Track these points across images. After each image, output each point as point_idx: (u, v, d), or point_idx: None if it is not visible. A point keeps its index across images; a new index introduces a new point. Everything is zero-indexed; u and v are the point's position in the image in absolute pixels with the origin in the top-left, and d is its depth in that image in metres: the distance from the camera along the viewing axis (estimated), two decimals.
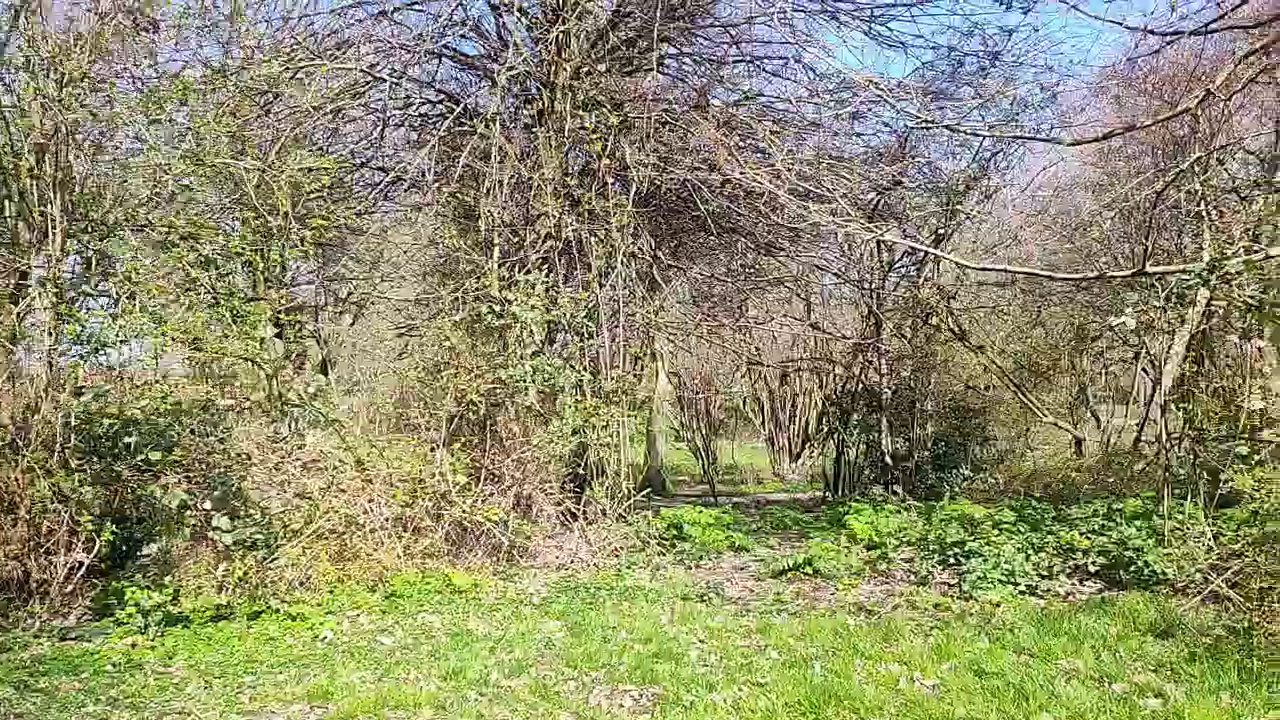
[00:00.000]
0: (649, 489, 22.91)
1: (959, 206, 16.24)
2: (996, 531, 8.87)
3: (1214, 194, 15.66)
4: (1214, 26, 9.21)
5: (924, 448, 17.26)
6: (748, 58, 13.74)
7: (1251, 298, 6.48)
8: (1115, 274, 6.83)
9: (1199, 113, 14.54)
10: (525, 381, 8.69)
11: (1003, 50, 14.17)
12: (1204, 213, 8.98)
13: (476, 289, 9.70)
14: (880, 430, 17.09)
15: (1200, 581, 6.62)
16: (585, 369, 10.02)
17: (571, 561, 8.78)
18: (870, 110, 13.94)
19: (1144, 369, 19.37)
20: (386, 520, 8.22)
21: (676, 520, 10.24)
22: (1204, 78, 17.23)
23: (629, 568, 8.68)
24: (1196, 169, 8.05)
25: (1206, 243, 12.79)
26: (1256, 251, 7.18)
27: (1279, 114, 12.99)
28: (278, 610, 7.09)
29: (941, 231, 16.09)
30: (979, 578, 7.26)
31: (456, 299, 9.84)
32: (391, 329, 17.09)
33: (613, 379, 9.88)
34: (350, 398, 14.49)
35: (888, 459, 16.97)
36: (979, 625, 6.33)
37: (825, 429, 20.59)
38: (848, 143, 15.73)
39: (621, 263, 12.54)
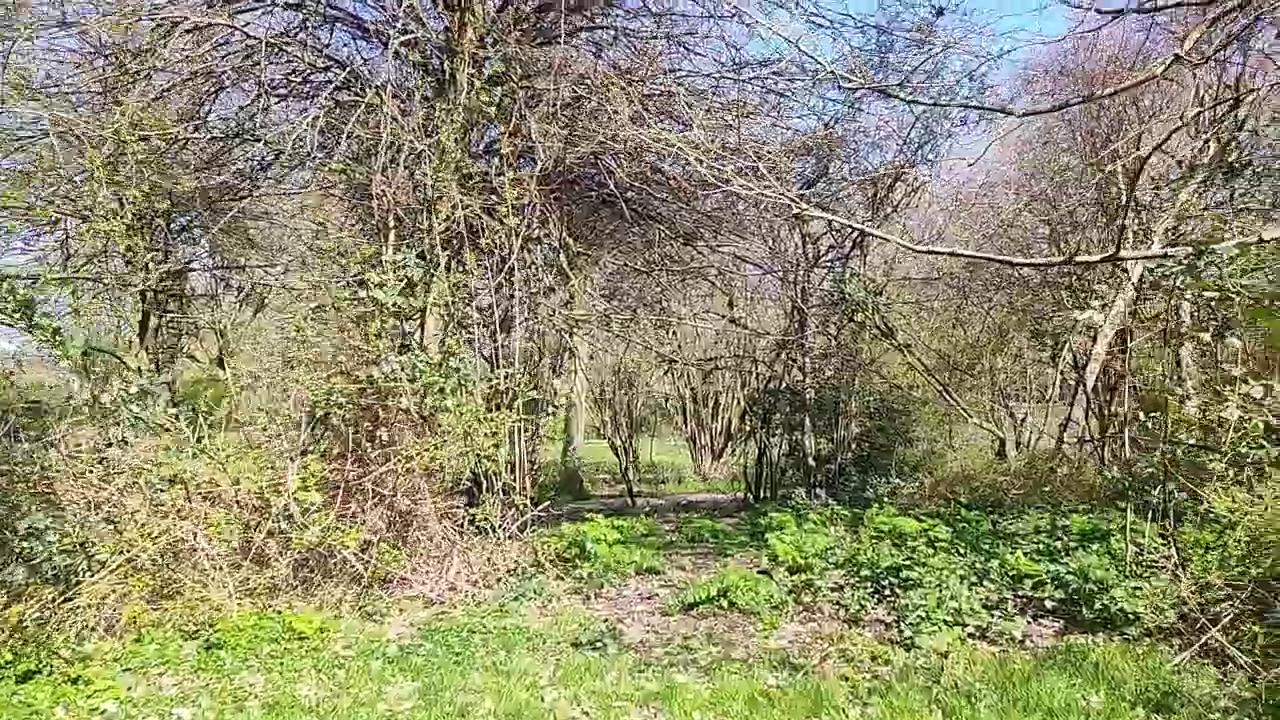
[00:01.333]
0: (567, 491, 21.50)
1: (889, 195, 15.08)
2: (932, 551, 7.56)
3: (1152, 183, 14.76)
4: (1162, 4, 8.11)
5: (848, 448, 16.06)
6: (667, 33, 12.28)
7: (1245, 288, 5.26)
8: (1086, 258, 5.52)
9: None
10: (394, 381, 7.07)
11: (932, 33, 13.00)
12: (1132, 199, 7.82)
13: (355, 276, 8.04)
14: (803, 430, 15.83)
15: (1184, 627, 5.39)
16: (478, 365, 8.46)
17: (450, 592, 7.19)
18: (797, 93, 12.61)
19: (1063, 369, 18.50)
20: (220, 549, 6.54)
21: (580, 538, 8.72)
22: (1133, 69, 16.36)
23: (516, 600, 7.12)
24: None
25: (1160, 228, 11.76)
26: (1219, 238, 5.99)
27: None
28: (57, 669, 5.39)
29: (868, 225, 14.86)
30: (921, 618, 5.89)
31: (318, 285, 8.16)
32: (282, 322, 15.23)
33: (507, 377, 8.31)
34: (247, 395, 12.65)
35: (811, 460, 15.72)
36: (926, 688, 4.93)
37: (748, 428, 19.34)
38: (773, 130, 14.39)
39: (521, 248, 11.00)
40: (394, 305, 7.25)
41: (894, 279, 15.95)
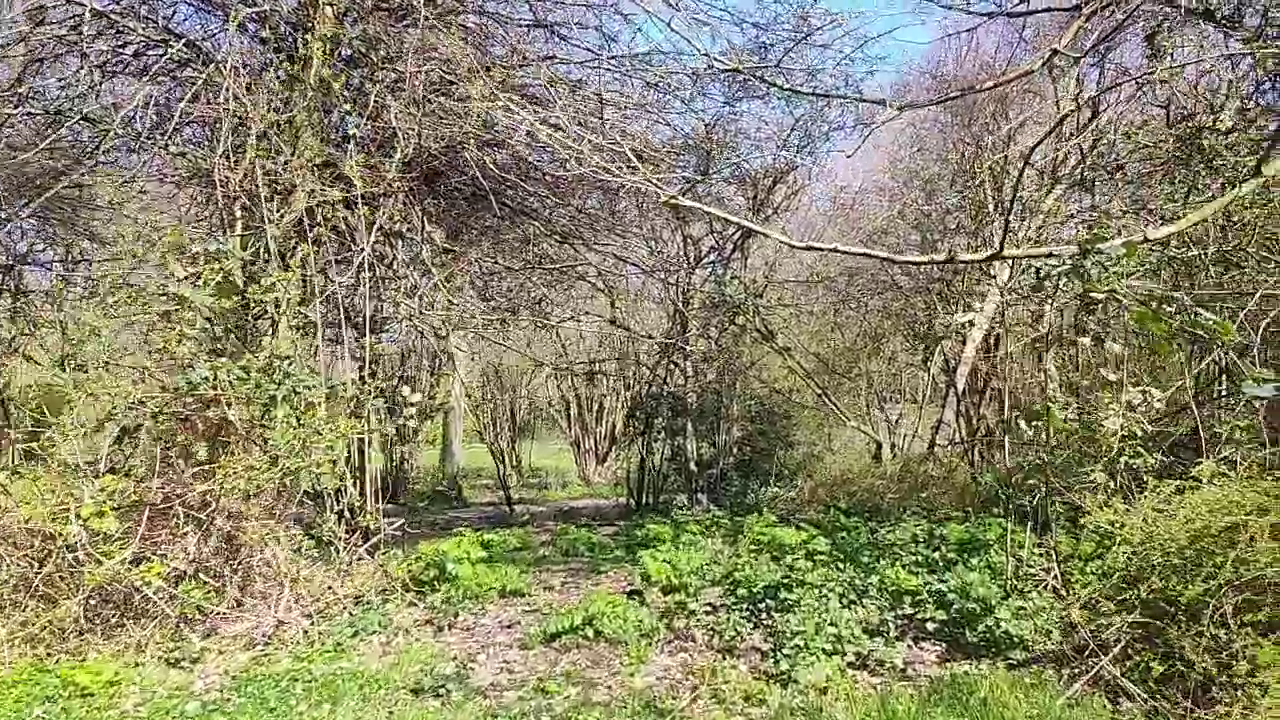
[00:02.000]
0: (444, 499, 20.44)
1: (770, 197, 14.71)
2: (811, 565, 7.04)
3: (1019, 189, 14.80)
4: (1035, 7, 7.87)
5: (730, 453, 15.62)
6: (539, 20, 11.51)
7: (1132, 289, 4.89)
8: (968, 256, 5.05)
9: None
10: (212, 388, 6.08)
11: (810, 33, 12.67)
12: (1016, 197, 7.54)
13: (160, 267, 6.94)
14: (685, 435, 15.31)
15: (1073, 654, 4.97)
16: (323, 370, 7.49)
17: (279, 629, 6.24)
18: (675, 86, 12.04)
19: (935, 373, 18.61)
20: None
21: (440, 558, 7.85)
22: (999, 72, 16.47)
23: (356, 635, 6.22)
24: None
25: (1023, 234, 11.66)
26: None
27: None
28: None
29: (747, 220, 14.45)
30: (799, 647, 5.31)
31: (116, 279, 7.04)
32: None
33: (359, 383, 7.37)
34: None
35: (693, 465, 15.19)
36: None
37: (631, 432, 18.73)
38: (654, 128, 13.79)
39: (383, 242, 10.05)
40: (210, 302, 6.24)
41: (775, 281, 15.59)
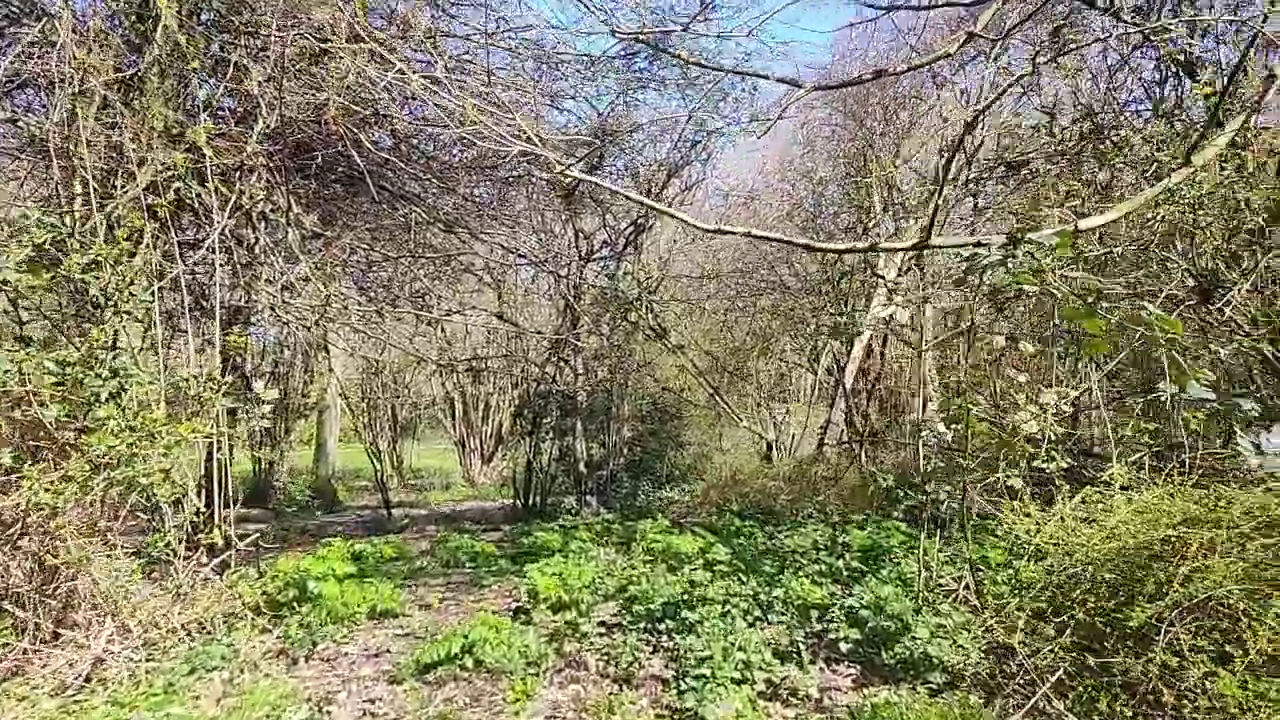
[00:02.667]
0: (318, 503, 19.08)
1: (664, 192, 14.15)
2: (711, 576, 6.48)
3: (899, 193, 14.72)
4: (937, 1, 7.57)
5: (620, 453, 15.03)
6: None
7: (1070, 280, 4.49)
8: (891, 245, 4.54)
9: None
10: (10, 383, 5.03)
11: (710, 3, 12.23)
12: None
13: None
14: (575, 435, 14.62)
15: (998, 679, 4.54)
16: (163, 365, 6.46)
17: (97, 668, 5.24)
18: (567, 68, 11.35)
19: (822, 372, 18.52)
20: None
21: (301, 575, 6.91)
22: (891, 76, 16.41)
23: (192, 672, 5.27)
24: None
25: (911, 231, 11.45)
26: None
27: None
28: None
29: (641, 221, 13.88)
30: (705, 676, 4.71)
31: None
32: None
33: (203, 379, 6.35)
34: None
35: (582, 466, 14.52)
36: None
37: (518, 432, 17.88)
38: (545, 115, 13.05)
39: (244, 224, 8.98)
40: (15, 279, 5.16)
41: (669, 275, 15.06)
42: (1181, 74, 6.59)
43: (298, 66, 9.22)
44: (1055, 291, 3.98)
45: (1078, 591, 4.38)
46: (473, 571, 8.64)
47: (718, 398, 14.67)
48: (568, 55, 10.77)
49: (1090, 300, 4.01)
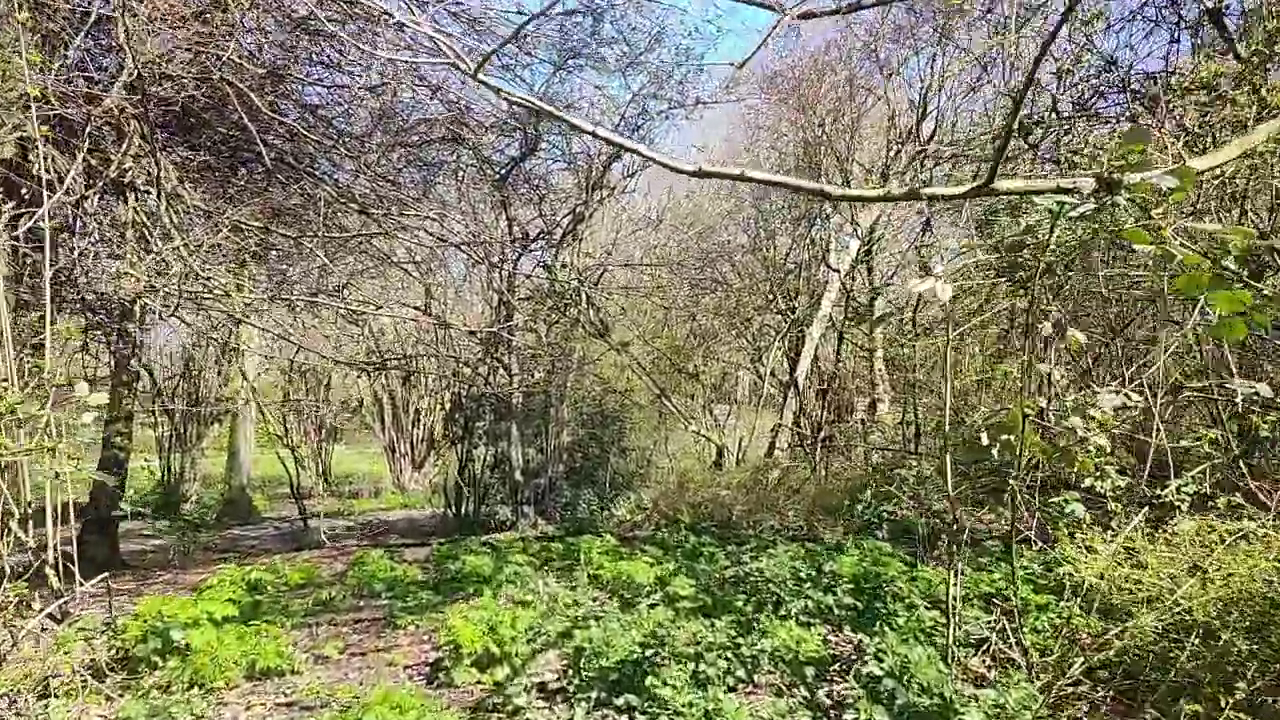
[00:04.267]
0: (232, 515, 17.22)
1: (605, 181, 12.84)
2: (674, 615, 5.21)
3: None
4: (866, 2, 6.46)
5: (560, 460, 13.65)
6: None
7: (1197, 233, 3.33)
8: (943, 190, 3.29)
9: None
10: None
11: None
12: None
13: None
14: (510, 440, 13.19)
15: None
16: None
17: None
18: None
19: (774, 370, 17.42)
20: None
21: (167, 622, 5.41)
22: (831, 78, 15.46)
23: None
24: None
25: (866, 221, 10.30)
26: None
27: None
28: None
29: (581, 209, 12.55)
30: None
31: None
32: None
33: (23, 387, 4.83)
34: None
35: (518, 474, 13.10)
36: None
37: (450, 437, 16.35)
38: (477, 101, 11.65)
39: (116, 194, 7.39)
40: None
41: (612, 266, 13.72)
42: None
43: (179, 17, 7.64)
44: (1174, 250, 2.78)
45: (1181, 653, 3.21)
46: (389, 604, 7.18)
47: (665, 400, 13.40)
48: (494, 12, 9.35)
49: (1221, 263, 2.82)
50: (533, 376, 13.53)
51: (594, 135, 3.62)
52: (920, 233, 14.30)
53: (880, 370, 16.15)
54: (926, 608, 4.93)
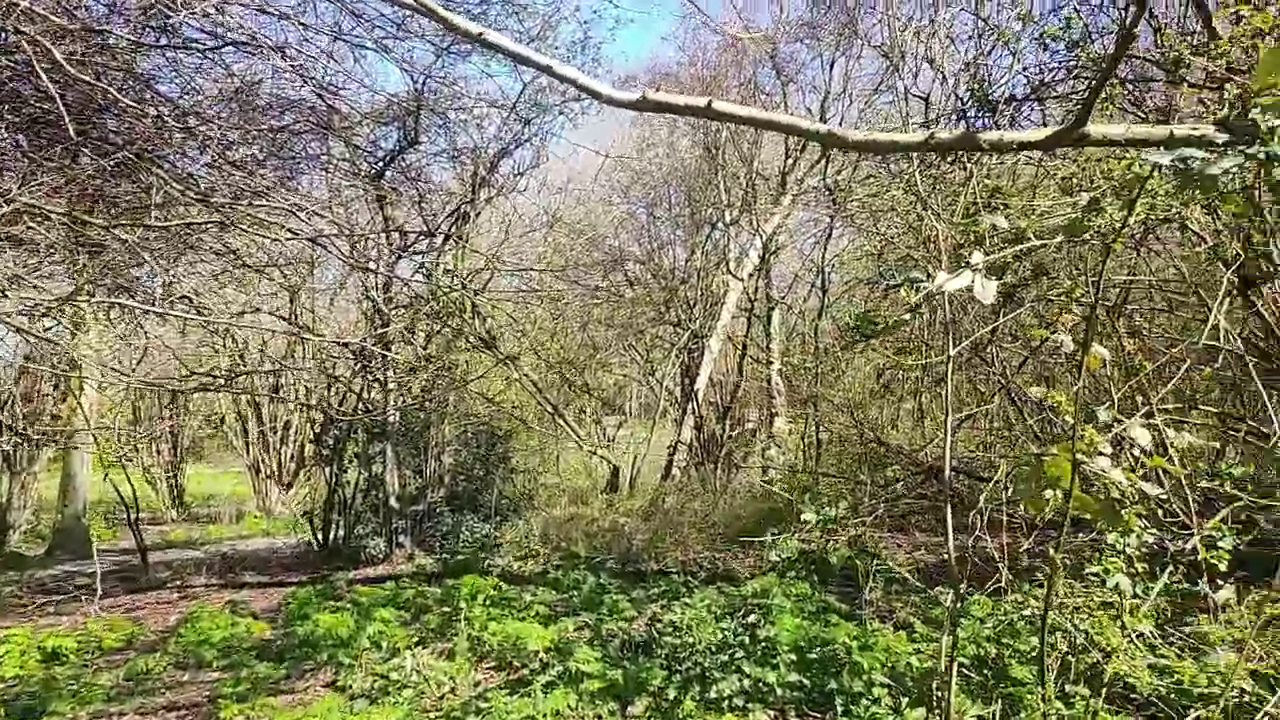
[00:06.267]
0: (66, 548, 14.90)
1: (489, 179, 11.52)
2: (576, 702, 4.01)
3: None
4: None
5: (440, 484, 12.19)
6: None
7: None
8: (1020, 136, 2.26)
9: None
10: None
11: None
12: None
13: None
14: (384, 463, 11.65)
15: None
16: None
17: None
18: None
19: (670, 385, 16.43)
20: None
21: None
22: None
23: None
24: None
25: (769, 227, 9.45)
26: None
27: None
28: None
29: (466, 208, 11.19)
30: None
31: None
32: None
33: None
34: None
35: (393, 501, 11.57)
36: None
37: (320, 458, 14.56)
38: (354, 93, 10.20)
39: None
40: None
41: (501, 270, 12.36)
42: None
43: None
44: None
45: None
46: (215, 685, 5.66)
47: (557, 417, 12.14)
48: None
49: None
50: (411, 392, 12.04)
51: (548, 71, 2.42)
52: (823, 240, 13.61)
53: (778, 383, 15.39)
54: (892, 689, 3.89)
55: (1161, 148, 2.00)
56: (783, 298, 16.62)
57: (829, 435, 12.14)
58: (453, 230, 11.60)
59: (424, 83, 11.05)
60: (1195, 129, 2.00)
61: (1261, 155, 1.91)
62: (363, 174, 11.31)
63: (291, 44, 9.10)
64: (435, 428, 11.84)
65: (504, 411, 12.20)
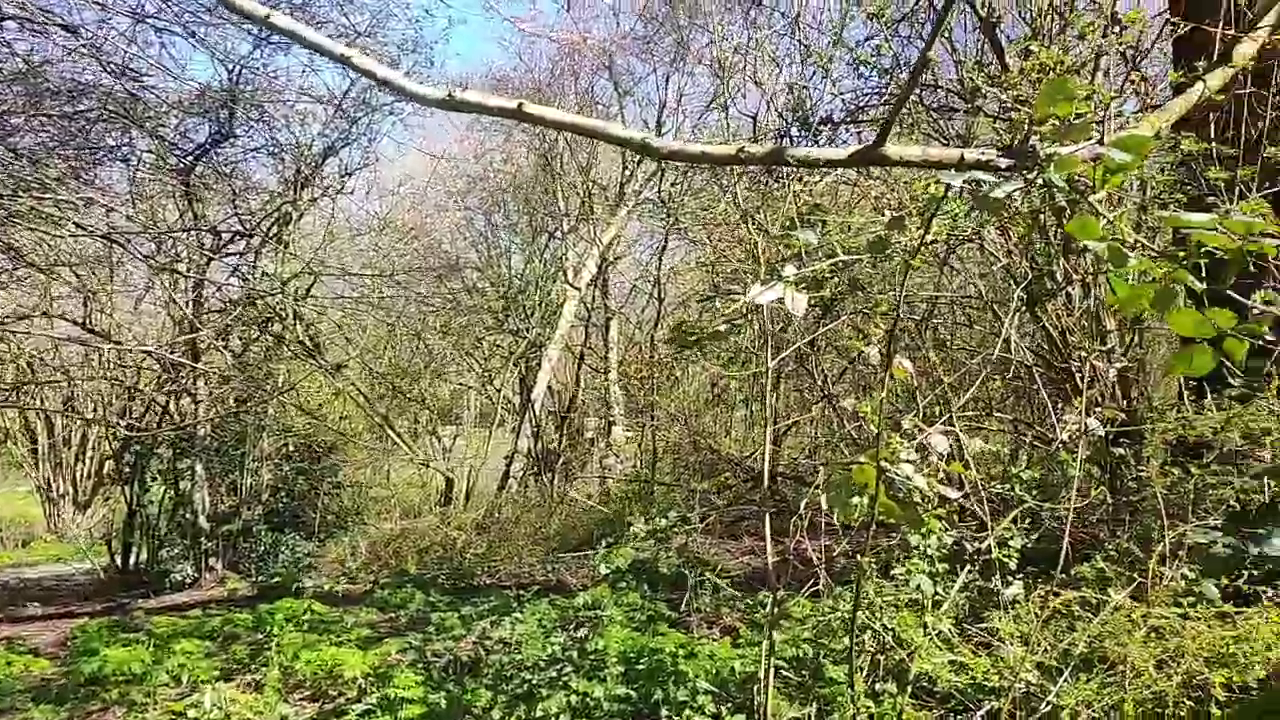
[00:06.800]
0: None
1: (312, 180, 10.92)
2: None
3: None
4: None
5: (257, 502, 11.38)
6: None
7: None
8: (820, 154, 2.28)
9: None
10: None
11: None
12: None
13: None
14: (194, 480, 10.76)
15: None
16: None
17: None
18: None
19: (500, 398, 16.18)
20: None
21: None
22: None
23: None
24: None
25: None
26: None
27: None
28: None
29: (288, 208, 10.56)
30: None
31: None
32: None
33: None
34: None
35: (203, 520, 10.70)
36: None
37: (120, 475, 13.23)
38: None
39: None
40: None
41: (326, 274, 11.69)
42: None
43: None
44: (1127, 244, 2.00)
45: None
46: None
47: (388, 429, 11.64)
48: None
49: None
50: (225, 404, 11.20)
51: (345, 62, 2.23)
52: (659, 252, 13.82)
53: (615, 393, 15.48)
54: (716, 696, 3.93)
55: (954, 170, 2.10)
56: (620, 308, 16.76)
57: (665, 444, 12.30)
58: (273, 231, 10.90)
59: (239, 73, 10.37)
60: (984, 154, 2.11)
61: (1039, 181, 2.04)
62: (169, 168, 10.44)
63: (87, 24, 8.35)
64: (252, 442, 11.05)
65: (328, 424, 11.56)
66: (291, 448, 11.62)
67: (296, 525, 11.15)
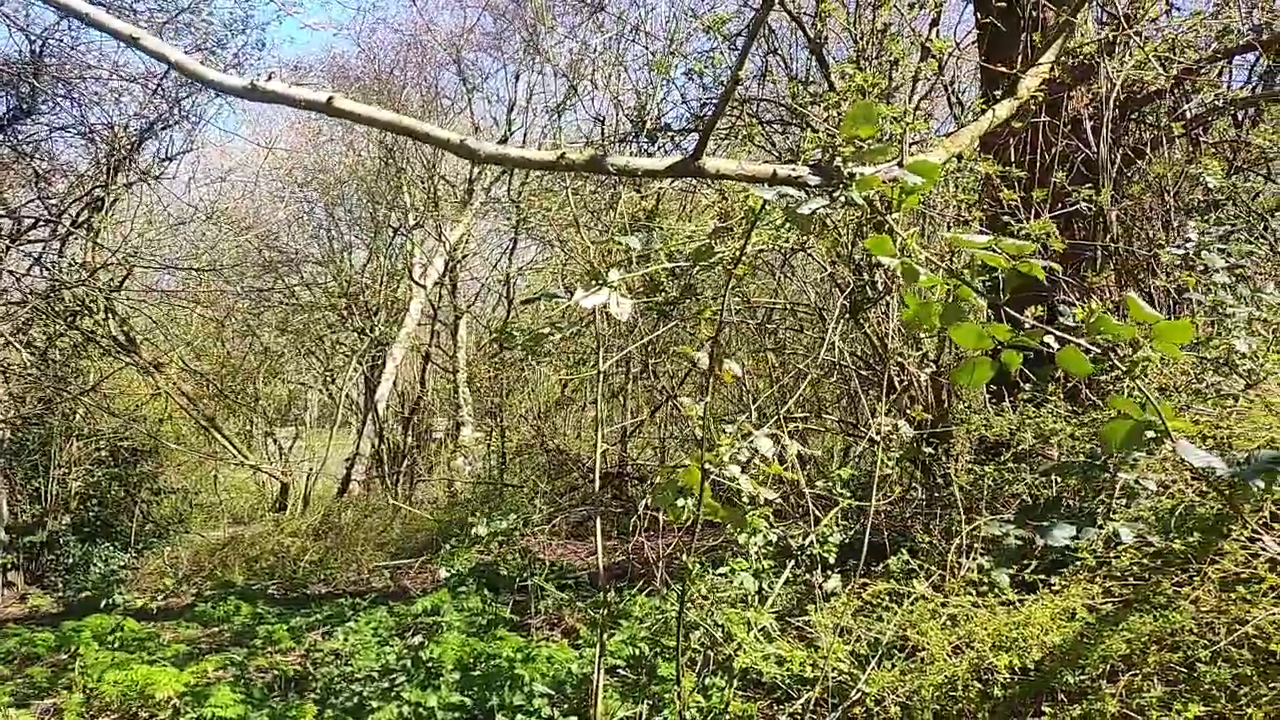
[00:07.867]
0: None
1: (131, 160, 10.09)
2: None
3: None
4: None
5: (66, 510, 10.41)
6: None
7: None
8: (642, 164, 2.28)
9: None
10: None
11: None
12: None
13: None
14: None
15: None
16: None
17: None
18: None
19: (342, 396, 15.53)
20: None
21: None
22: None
23: None
24: None
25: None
26: None
27: None
28: None
29: (100, 192, 9.72)
30: None
31: None
32: None
33: None
34: None
35: (1, 532, 9.70)
36: None
37: None
38: None
39: None
40: None
41: (144, 266, 10.79)
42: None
43: None
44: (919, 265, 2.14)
45: None
46: None
47: (213, 431, 10.92)
48: None
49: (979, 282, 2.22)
50: (26, 405, 10.18)
51: (133, 43, 2.05)
52: (509, 251, 13.66)
53: (464, 393, 15.18)
54: (552, 699, 3.93)
55: (767, 185, 2.18)
56: (469, 307, 16.43)
57: (514, 445, 12.16)
58: (82, 218, 10.00)
59: (43, 45, 9.49)
60: (795, 171, 2.20)
61: (842, 199, 2.15)
62: None
63: None
64: (59, 445, 10.09)
65: (144, 426, 10.72)
66: (105, 452, 10.70)
67: (110, 535, 10.29)
